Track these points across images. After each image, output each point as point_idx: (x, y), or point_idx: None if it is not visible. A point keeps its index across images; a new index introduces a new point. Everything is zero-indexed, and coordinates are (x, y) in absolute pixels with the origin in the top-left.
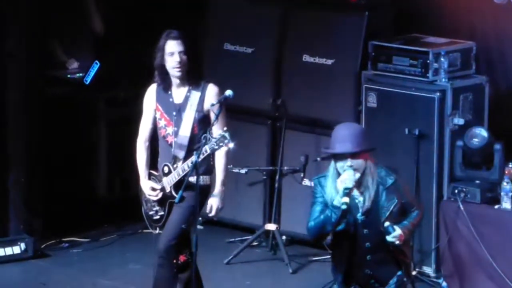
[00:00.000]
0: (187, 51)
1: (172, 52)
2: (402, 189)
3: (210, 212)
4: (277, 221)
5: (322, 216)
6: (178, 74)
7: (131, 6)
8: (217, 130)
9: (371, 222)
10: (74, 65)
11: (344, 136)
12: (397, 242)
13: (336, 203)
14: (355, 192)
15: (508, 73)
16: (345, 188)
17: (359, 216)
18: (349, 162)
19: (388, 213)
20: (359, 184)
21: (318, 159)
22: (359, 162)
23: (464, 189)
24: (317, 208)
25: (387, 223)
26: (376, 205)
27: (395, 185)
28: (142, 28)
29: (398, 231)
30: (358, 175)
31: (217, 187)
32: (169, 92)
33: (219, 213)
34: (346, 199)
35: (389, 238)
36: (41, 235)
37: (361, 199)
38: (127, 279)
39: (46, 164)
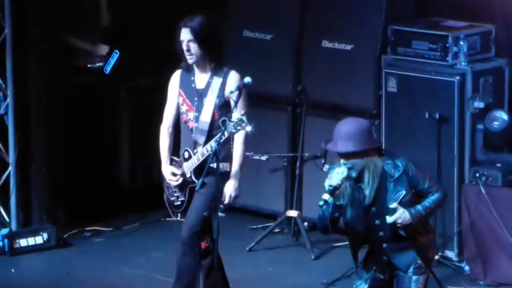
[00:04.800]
0: (204, 39)
1: (182, 40)
2: (414, 178)
3: (224, 199)
4: (299, 208)
5: (320, 211)
6: (190, 61)
7: None
8: (236, 115)
9: (380, 213)
10: (105, 49)
11: (338, 133)
12: (399, 221)
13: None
14: (365, 185)
15: None
16: (329, 185)
17: (366, 207)
18: (342, 160)
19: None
20: (360, 179)
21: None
22: (352, 161)
23: (485, 173)
24: None
25: (393, 205)
26: (384, 197)
27: (404, 176)
28: (163, 15)
29: (398, 213)
30: (345, 173)
31: (233, 174)
32: (192, 78)
33: (234, 200)
34: (326, 196)
35: (388, 219)
36: (63, 225)
37: (366, 192)
38: (150, 267)
39: (68, 153)
